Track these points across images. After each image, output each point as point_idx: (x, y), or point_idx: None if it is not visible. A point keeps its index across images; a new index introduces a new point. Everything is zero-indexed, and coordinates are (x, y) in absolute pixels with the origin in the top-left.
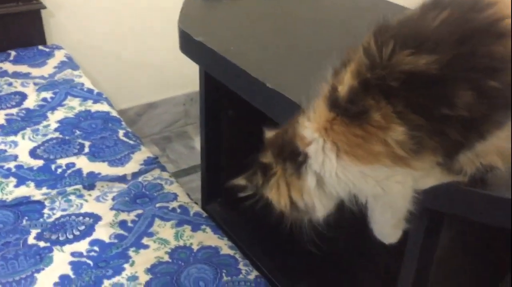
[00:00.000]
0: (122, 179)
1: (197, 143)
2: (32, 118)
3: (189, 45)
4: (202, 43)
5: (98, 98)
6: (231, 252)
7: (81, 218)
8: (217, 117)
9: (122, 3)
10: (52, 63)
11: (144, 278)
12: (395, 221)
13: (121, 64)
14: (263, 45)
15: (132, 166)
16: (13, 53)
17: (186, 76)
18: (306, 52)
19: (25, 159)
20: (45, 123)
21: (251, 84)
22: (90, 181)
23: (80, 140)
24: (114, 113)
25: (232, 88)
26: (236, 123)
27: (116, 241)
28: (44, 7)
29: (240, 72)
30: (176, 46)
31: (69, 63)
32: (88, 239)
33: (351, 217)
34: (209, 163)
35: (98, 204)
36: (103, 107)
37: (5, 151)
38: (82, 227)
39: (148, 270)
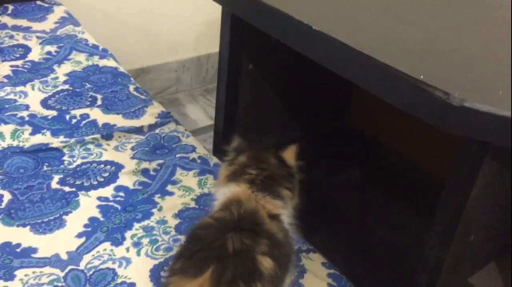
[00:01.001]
0: (139, 130)
1: (188, 110)
2: (39, 70)
3: None
4: None
5: (104, 54)
6: None
7: (102, 165)
8: (236, 70)
9: None
10: (52, 18)
11: (173, 222)
12: None
13: (116, 26)
14: None
15: (147, 119)
16: (10, 7)
17: (179, 43)
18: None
19: (37, 109)
20: (52, 75)
21: (293, 27)
22: (107, 131)
23: (91, 93)
24: (122, 69)
25: (269, 32)
26: (255, 78)
27: (141, 187)
28: None
29: (280, 15)
30: (172, 11)
31: (70, 19)
32: (112, 185)
33: None
34: (226, 118)
35: (118, 153)
36: (110, 62)
37: (16, 100)
38: (106, 174)
39: (176, 215)
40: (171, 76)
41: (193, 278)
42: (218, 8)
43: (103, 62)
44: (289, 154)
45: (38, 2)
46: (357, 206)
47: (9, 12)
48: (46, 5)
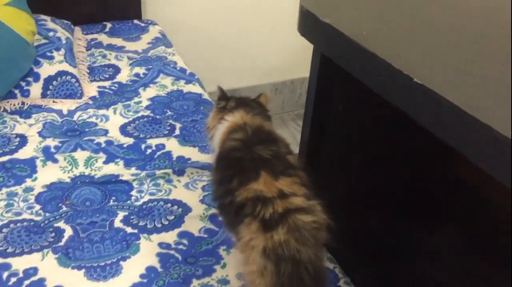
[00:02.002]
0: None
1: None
2: (124, 93)
3: (312, 26)
4: (329, 25)
5: (190, 78)
6: (331, 266)
7: (169, 205)
8: (324, 109)
9: None
10: (146, 38)
11: (235, 283)
12: None
13: (211, 46)
14: (400, 29)
15: None
16: (109, 25)
17: (274, 65)
18: (450, 39)
19: (115, 135)
20: (136, 99)
21: (390, 76)
22: (180, 166)
23: (171, 121)
24: (206, 96)
25: (362, 79)
26: (343, 119)
27: (206, 236)
28: None
29: (377, 62)
30: (267, 33)
31: (163, 39)
32: (177, 231)
33: None
34: (309, 156)
35: (187, 192)
36: (195, 88)
37: (96, 124)
38: (172, 217)
39: (240, 276)
40: None
41: (254, 181)
42: None
43: (188, 88)
44: (263, 99)
45: (136, 21)
46: (460, 278)
47: (106, 30)
48: (143, 25)
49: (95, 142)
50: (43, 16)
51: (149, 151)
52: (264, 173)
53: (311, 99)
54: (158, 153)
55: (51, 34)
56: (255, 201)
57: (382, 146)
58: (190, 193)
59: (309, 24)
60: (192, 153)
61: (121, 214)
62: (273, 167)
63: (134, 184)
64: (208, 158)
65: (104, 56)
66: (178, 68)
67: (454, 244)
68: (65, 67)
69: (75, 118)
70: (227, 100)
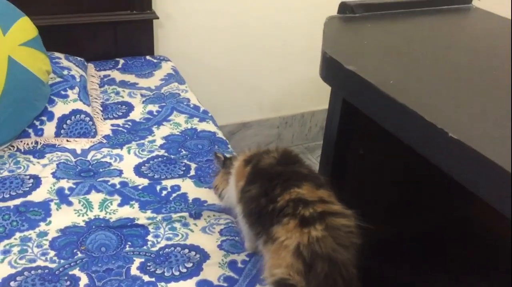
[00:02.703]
0: (229, 211)
1: None
2: (138, 131)
3: (335, 73)
4: (354, 73)
5: (204, 116)
6: None
7: (186, 251)
8: (343, 154)
9: (232, 21)
10: (159, 74)
11: None
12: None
13: (221, 81)
14: (426, 77)
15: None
16: (121, 61)
17: (283, 99)
18: (477, 87)
19: (130, 175)
20: (150, 138)
21: (422, 130)
22: (196, 209)
23: (185, 161)
24: (220, 135)
25: (391, 130)
26: (364, 164)
27: (225, 284)
28: (157, 17)
29: (407, 113)
30: (277, 68)
31: (176, 76)
32: (195, 279)
33: None
34: None
35: (205, 237)
36: (209, 126)
37: (110, 164)
38: (190, 265)
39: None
40: (273, 132)
41: (297, 188)
42: None
43: (202, 126)
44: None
45: (148, 57)
46: None
47: (119, 66)
48: (155, 61)
49: (109, 183)
50: (57, 54)
51: (164, 192)
52: (306, 183)
53: (331, 144)
54: (174, 195)
55: (65, 72)
56: (297, 202)
57: (402, 192)
58: (208, 237)
59: (332, 71)
60: (208, 195)
61: (137, 261)
62: (313, 180)
63: (150, 228)
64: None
65: (117, 93)
66: (191, 106)
67: None
68: (79, 105)
69: (89, 157)
70: (224, 161)
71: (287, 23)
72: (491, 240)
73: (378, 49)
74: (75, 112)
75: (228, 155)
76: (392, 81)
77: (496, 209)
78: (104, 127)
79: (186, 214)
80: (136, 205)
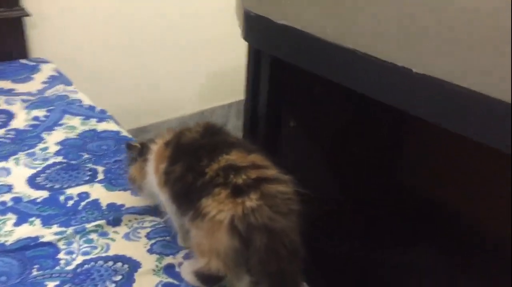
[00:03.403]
0: (153, 211)
1: None
2: (25, 140)
3: (264, 32)
4: (288, 27)
5: (102, 116)
6: None
7: (111, 263)
8: (277, 128)
9: (115, 15)
10: (39, 78)
11: None
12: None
13: (111, 84)
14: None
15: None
16: None
17: (180, 98)
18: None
19: (23, 189)
20: (41, 145)
21: (381, 74)
22: (114, 215)
23: (90, 165)
24: (124, 133)
25: (343, 82)
26: (296, 137)
27: None
28: (28, 15)
29: (360, 60)
30: (169, 67)
31: (60, 77)
32: None
33: None
34: None
35: (130, 244)
36: (110, 126)
37: None
38: (118, 278)
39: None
40: None
41: (226, 155)
42: (218, 60)
43: (102, 126)
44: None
45: (22, 61)
46: None
47: None
48: (32, 63)
49: None
50: None
51: (70, 202)
52: (236, 150)
53: (264, 117)
54: (83, 203)
55: None
56: (227, 170)
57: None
58: (134, 244)
59: (259, 31)
60: (125, 198)
61: (51, 285)
62: (243, 146)
63: (60, 244)
64: (145, 201)
65: None
66: (85, 106)
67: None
68: None
69: None
70: (140, 148)
71: (175, 19)
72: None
73: (301, 1)
74: None
75: (144, 141)
76: (329, 29)
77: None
78: None
79: (102, 222)
80: (37, 221)
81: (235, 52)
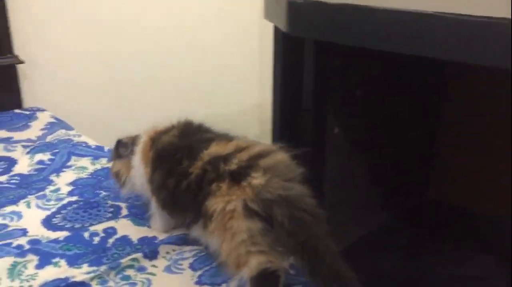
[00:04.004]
0: (192, 239)
1: None
2: (32, 184)
3: (313, 17)
4: (345, 5)
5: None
6: None
7: None
8: (321, 136)
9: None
10: (37, 125)
11: None
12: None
13: (111, 129)
14: None
15: None
16: None
17: None
18: None
19: (39, 232)
20: (51, 187)
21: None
22: (149, 247)
23: (111, 202)
24: None
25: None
26: (342, 144)
27: None
28: (21, 62)
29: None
30: (171, 105)
31: (60, 123)
32: None
33: None
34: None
35: (174, 277)
36: None
37: (6, 225)
38: None
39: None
40: None
41: (205, 150)
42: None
43: None
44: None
45: (17, 111)
46: None
47: None
48: (28, 113)
49: (13, 245)
50: None
51: (96, 239)
52: (214, 143)
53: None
54: (111, 240)
55: None
56: (214, 162)
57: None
58: (179, 277)
59: (309, 17)
60: (156, 232)
61: None
62: (221, 138)
63: (94, 284)
64: (182, 229)
65: None
66: (92, 147)
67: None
68: None
69: None
70: (126, 145)
71: (172, 58)
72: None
73: None
74: None
75: (133, 137)
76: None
77: None
78: None
79: (138, 255)
80: (63, 262)
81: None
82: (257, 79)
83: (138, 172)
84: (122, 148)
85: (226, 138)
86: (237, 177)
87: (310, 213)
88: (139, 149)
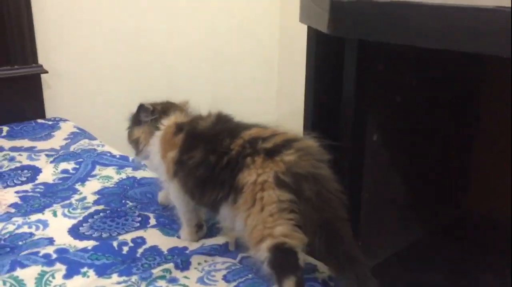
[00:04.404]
0: (224, 250)
1: None
2: (57, 193)
3: (359, 16)
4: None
5: (138, 164)
6: None
7: None
8: (359, 142)
9: (132, 75)
10: (60, 135)
11: None
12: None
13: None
14: None
15: (232, 233)
16: (5, 128)
17: None
18: None
19: (66, 240)
20: (77, 196)
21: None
22: (181, 257)
23: (138, 211)
24: None
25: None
26: (381, 151)
27: None
28: (45, 71)
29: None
30: None
31: (83, 133)
32: None
33: None
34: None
35: None
36: (148, 173)
37: (32, 234)
38: None
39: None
40: None
41: (247, 131)
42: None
43: (141, 174)
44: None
45: (40, 121)
46: None
47: (4, 134)
48: (50, 123)
49: (40, 254)
50: None
51: (125, 249)
52: (254, 127)
53: (349, 128)
54: (140, 250)
55: None
56: (253, 141)
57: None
58: None
59: (355, 17)
60: (187, 241)
61: None
62: (260, 126)
63: None
64: (214, 240)
65: (12, 159)
66: (117, 156)
67: None
68: None
69: None
70: (148, 111)
71: (197, 71)
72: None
73: None
74: None
75: (158, 105)
76: None
77: None
78: (7, 195)
79: (169, 265)
80: (91, 272)
81: (249, 112)
82: (275, 95)
83: (156, 155)
84: (144, 113)
85: (263, 126)
86: (272, 153)
87: (335, 195)
88: (163, 130)
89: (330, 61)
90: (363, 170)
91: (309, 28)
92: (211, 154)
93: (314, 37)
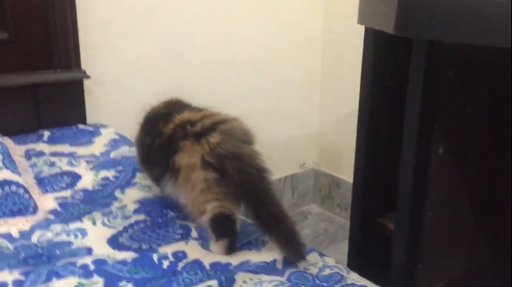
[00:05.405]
0: (271, 267)
1: None
2: (97, 200)
3: (431, 16)
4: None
5: None
6: None
7: None
8: (424, 155)
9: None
10: (101, 141)
11: None
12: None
13: None
14: None
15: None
16: (46, 133)
17: None
18: None
19: (105, 250)
20: (117, 204)
21: None
22: (225, 274)
23: (180, 222)
24: None
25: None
26: (447, 166)
27: None
28: (88, 77)
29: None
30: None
31: (123, 140)
32: None
33: None
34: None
35: None
36: None
37: (71, 243)
38: None
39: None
40: None
41: (178, 115)
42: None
43: None
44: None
45: (81, 126)
46: None
47: (45, 139)
48: (91, 129)
49: (78, 265)
50: None
51: (166, 263)
52: (187, 110)
53: (412, 141)
54: (181, 264)
55: None
56: (183, 125)
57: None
58: None
59: (426, 17)
60: (231, 256)
61: None
62: (195, 108)
63: None
64: (260, 257)
65: (52, 165)
66: None
67: None
68: (7, 175)
69: (34, 240)
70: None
71: (236, 88)
72: None
73: None
74: (2, 183)
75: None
76: None
77: None
78: (47, 202)
79: (213, 282)
80: (130, 286)
81: (291, 122)
82: (318, 105)
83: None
84: None
85: (198, 109)
86: (199, 136)
87: (256, 168)
88: None
89: (387, 64)
90: (428, 186)
91: (368, 30)
92: (147, 136)
93: (372, 39)
